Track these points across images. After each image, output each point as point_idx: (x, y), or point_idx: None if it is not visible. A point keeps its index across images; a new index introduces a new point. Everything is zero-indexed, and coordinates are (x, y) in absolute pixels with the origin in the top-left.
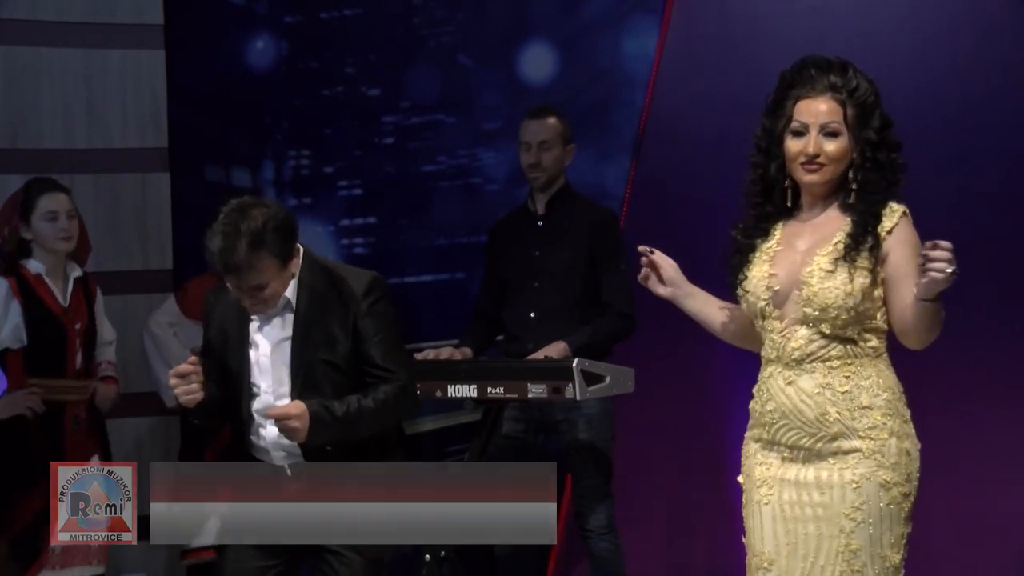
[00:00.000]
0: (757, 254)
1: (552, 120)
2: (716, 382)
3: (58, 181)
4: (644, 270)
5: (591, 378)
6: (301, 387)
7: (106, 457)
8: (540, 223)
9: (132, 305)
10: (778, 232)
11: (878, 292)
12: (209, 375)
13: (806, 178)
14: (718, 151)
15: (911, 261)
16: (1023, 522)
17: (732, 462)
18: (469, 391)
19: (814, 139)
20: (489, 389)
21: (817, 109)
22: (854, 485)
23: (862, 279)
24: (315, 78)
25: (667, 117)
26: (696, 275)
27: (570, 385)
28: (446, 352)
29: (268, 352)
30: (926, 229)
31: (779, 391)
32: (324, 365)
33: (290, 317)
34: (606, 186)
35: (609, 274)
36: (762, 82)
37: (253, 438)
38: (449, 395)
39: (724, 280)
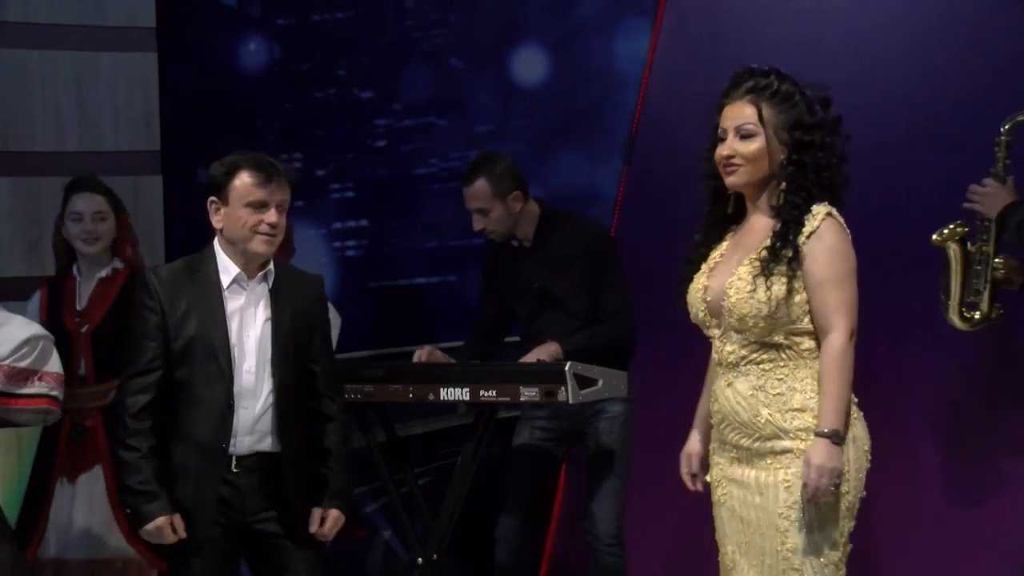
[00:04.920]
0: (705, 264)
1: (480, 183)
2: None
3: (97, 181)
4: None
5: (583, 381)
6: (279, 366)
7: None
8: (530, 251)
9: None
10: (727, 240)
11: (800, 297)
12: (153, 360)
13: (727, 180)
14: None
15: (827, 268)
16: (1019, 523)
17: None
18: (462, 394)
19: (729, 141)
20: (482, 392)
21: (733, 113)
22: (786, 485)
23: (777, 288)
24: (307, 80)
25: (660, 119)
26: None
27: (562, 388)
28: (431, 352)
29: (256, 334)
30: (918, 229)
31: (721, 393)
32: (297, 347)
33: (265, 295)
34: (598, 188)
35: (607, 286)
36: None
37: (223, 422)
38: (442, 398)
39: None
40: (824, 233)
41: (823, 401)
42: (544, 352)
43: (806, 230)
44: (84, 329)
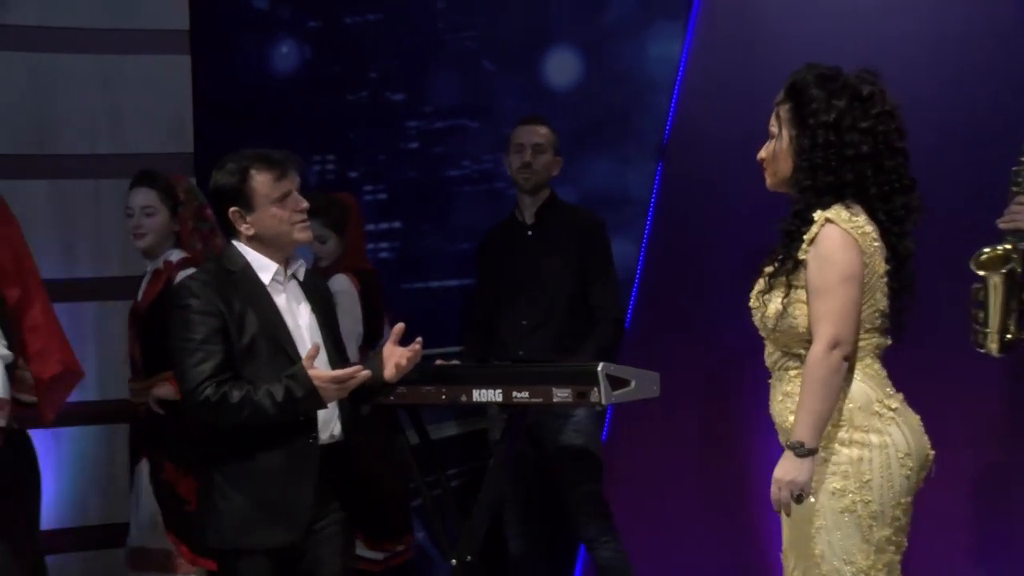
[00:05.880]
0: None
1: (546, 128)
2: (731, 387)
3: (154, 176)
4: None
5: (616, 382)
6: (333, 352)
7: (155, 464)
8: (530, 232)
9: None
10: None
11: (806, 308)
12: (223, 362)
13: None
14: (743, 155)
15: (815, 276)
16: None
17: (744, 466)
18: (494, 396)
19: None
20: (514, 394)
21: None
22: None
23: (777, 301)
24: (339, 83)
25: (692, 121)
26: (722, 278)
27: (595, 390)
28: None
29: (306, 324)
30: (943, 234)
31: (770, 396)
32: (336, 334)
33: (298, 287)
34: (630, 191)
35: (599, 280)
36: None
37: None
38: (474, 400)
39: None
40: (819, 240)
41: (796, 412)
42: None
43: (807, 238)
44: (136, 321)
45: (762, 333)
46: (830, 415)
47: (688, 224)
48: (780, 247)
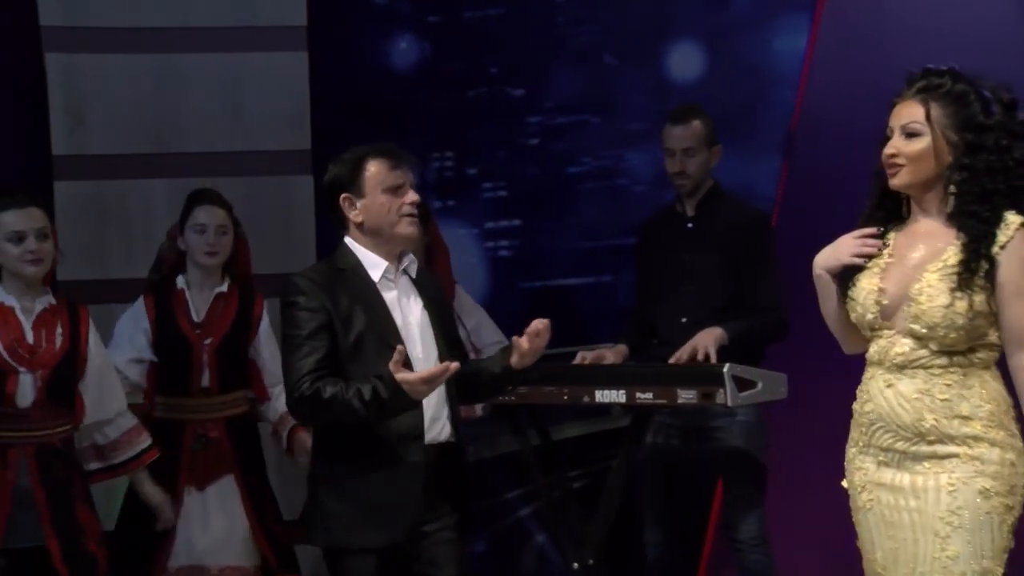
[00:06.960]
0: (870, 263)
1: (696, 124)
2: None
3: (220, 195)
4: None
5: (743, 383)
6: (445, 351)
7: (247, 478)
8: (690, 225)
9: (273, 307)
10: (891, 241)
11: (991, 309)
12: (325, 358)
13: (891, 182)
14: (871, 149)
15: (1016, 279)
16: None
17: None
18: (617, 396)
19: (894, 140)
20: (638, 395)
21: (900, 112)
22: (950, 488)
23: (975, 300)
24: (458, 79)
25: (819, 116)
26: None
27: (721, 391)
28: (599, 354)
29: (417, 321)
30: None
31: (878, 393)
32: (449, 332)
33: (410, 284)
34: (755, 185)
35: (762, 277)
36: None
37: (414, 412)
38: (597, 400)
39: None
40: (1016, 243)
41: None
42: (708, 336)
43: (1000, 240)
44: (207, 342)
45: (935, 331)
46: None
47: (814, 220)
48: (965, 248)
